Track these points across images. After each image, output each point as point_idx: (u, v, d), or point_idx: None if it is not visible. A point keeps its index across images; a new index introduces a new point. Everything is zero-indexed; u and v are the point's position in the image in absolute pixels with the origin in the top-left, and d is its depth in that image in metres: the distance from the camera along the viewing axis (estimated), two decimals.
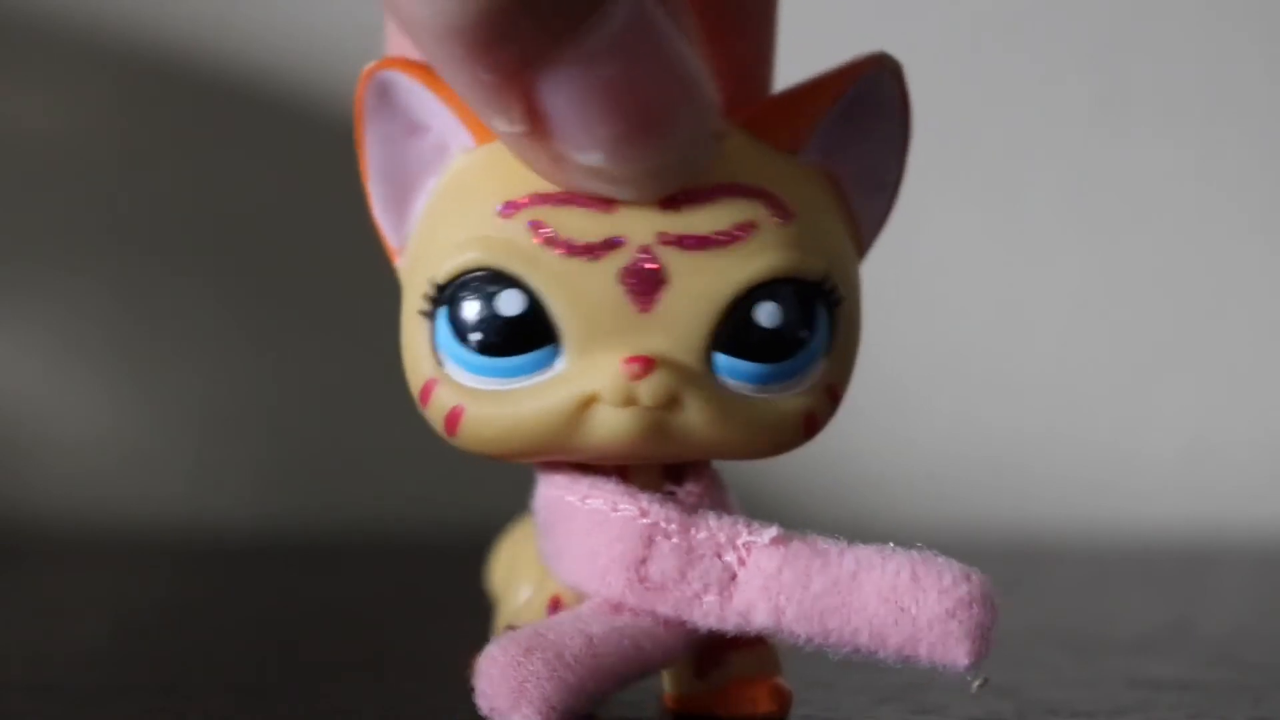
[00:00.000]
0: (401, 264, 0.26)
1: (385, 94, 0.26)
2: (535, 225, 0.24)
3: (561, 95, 0.23)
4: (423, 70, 0.25)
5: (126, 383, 0.56)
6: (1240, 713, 0.29)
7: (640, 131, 0.23)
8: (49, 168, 0.55)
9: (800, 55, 0.28)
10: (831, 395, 0.26)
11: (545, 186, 0.25)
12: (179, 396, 0.55)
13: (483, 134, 0.25)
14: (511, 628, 0.26)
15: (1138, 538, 0.54)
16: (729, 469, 0.27)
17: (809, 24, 0.29)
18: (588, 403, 0.24)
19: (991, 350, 0.56)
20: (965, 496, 0.55)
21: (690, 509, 0.25)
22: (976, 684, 0.25)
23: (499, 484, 0.28)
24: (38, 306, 0.55)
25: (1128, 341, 0.56)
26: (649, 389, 0.24)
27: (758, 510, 0.26)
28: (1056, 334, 0.56)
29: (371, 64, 0.26)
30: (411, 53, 0.26)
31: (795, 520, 0.26)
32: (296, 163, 0.54)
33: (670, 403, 0.24)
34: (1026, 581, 0.47)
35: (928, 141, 0.55)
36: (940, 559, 0.25)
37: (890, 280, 0.55)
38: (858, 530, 0.26)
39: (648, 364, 0.24)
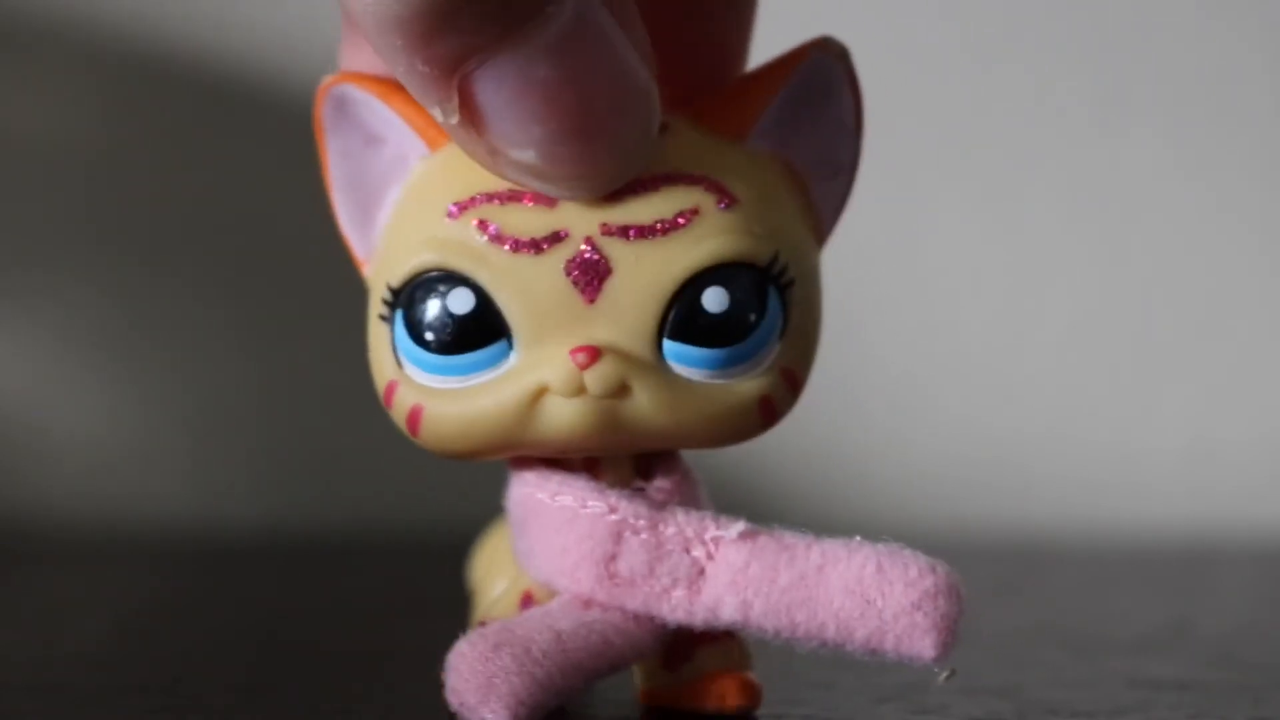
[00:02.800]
0: (368, 273, 0.27)
1: (342, 108, 0.26)
2: (482, 223, 0.25)
3: (497, 92, 0.23)
4: (377, 83, 0.26)
5: (125, 383, 0.56)
6: (1240, 713, 0.29)
7: (574, 133, 0.24)
8: (46, 168, 0.55)
9: None
10: (789, 379, 0.26)
11: (491, 186, 0.25)
12: (177, 396, 0.55)
13: (436, 141, 0.26)
14: (483, 623, 0.26)
15: (1138, 538, 0.54)
16: (726, 468, 0.27)
17: (809, 25, 0.29)
18: (539, 394, 0.25)
19: (992, 351, 0.56)
20: (966, 497, 0.55)
21: (659, 505, 0.26)
22: (944, 676, 0.25)
23: (498, 483, 0.28)
24: (36, 307, 0.55)
25: (1128, 342, 0.56)
26: (596, 378, 0.25)
27: (756, 510, 0.26)
28: (1057, 334, 0.56)
29: (327, 79, 0.26)
30: (365, 65, 0.26)
31: (796, 521, 0.26)
32: (294, 163, 0.54)
33: (619, 391, 0.25)
34: (1026, 581, 0.47)
35: (928, 143, 0.55)
36: (906, 552, 0.25)
37: (891, 281, 0.55)
38: (859, 531, 0.26)
39: (594, 353, 0.25)
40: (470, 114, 0.24)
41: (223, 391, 0.55)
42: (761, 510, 0.26)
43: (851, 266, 0.27)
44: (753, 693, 0.27)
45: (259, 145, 0.55)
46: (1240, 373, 0.56)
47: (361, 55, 0.26)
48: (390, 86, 0.26)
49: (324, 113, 0.26)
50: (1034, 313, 0.56)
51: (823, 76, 0.26)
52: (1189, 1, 0.56)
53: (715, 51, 0.27)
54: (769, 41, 0.28)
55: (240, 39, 0.55)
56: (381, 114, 0.26)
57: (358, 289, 0.27)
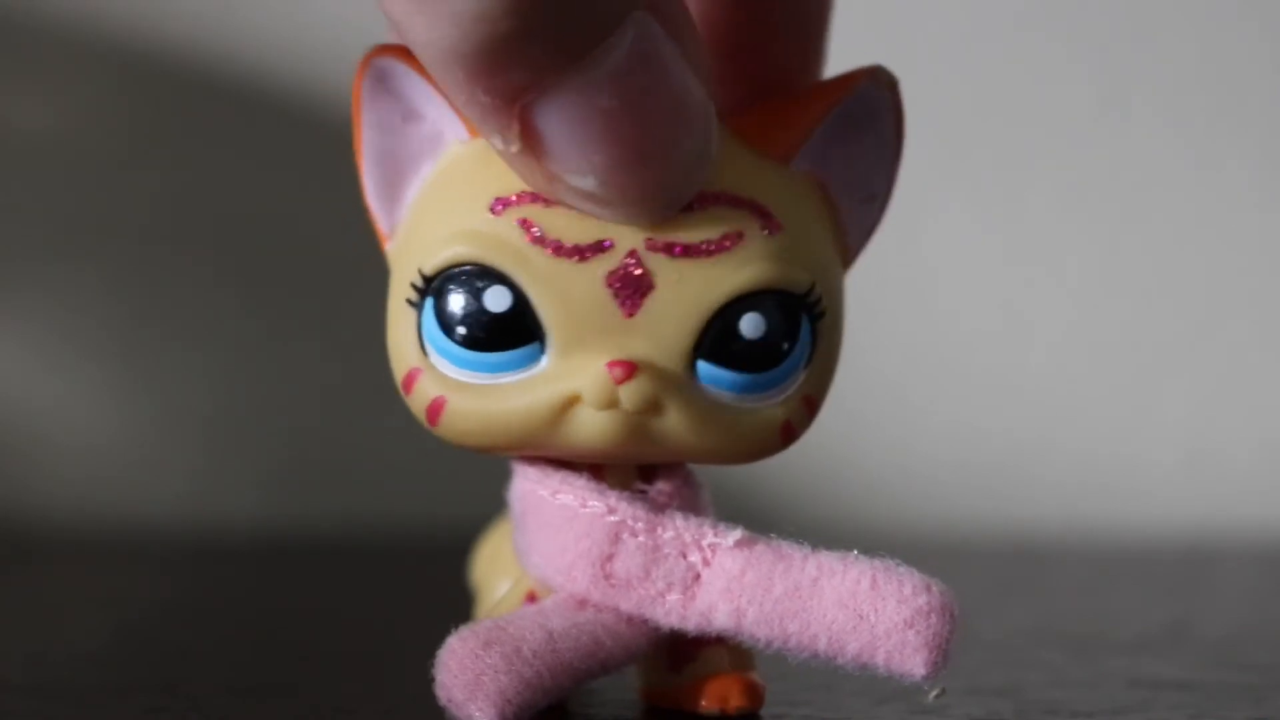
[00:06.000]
0: (390, 249, 0.27)
1: (382, 81, 0.26)
2: (525, 223, 0.25)
3: (558, 121, 0.23)
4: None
5: (128, 383, 0.56)
6: (1240, 713, 0.29)
7: (635, 160, 0.24)
8: (49, 167, 0.55)
9: None
10: (809, 405, 0.26)
11: None
12: (181, 397, 0.55)
13: None
14: None
15: (1138, 538, 0.54)
16: (725, 471, 0.27)
17: None
18: (569, 403, 0.25)
19: (991, 353, 0.56)
20: (967, 498, 0.55)
21: (659, 508, 0.26)
22: (933, 694, 0.25)
23: (499, 484, 0.28)
24: (40, 306, 0.55)
25: (1127, 344, 0.56)
26: (631, 393, 0.25)
27: (756, 513, 0.26)
28: (1056, 337, 0.56)
29: (370, 49, 0.26)
30: None
31: (796, 524, 0.26)
32: (299, 162, 0.54)
33: (651, 408, 0.25)
34: (1026, 581, 0.47)
35: (927, 143, 0.55)
36: (902, 568, 0.25)
37: (890, 283, 0.55)
38: (861, 533, 0.26)
39: (630, 369, 0.25)
40: (531, 142, 0.24)
41: (226, 393, 0.55)
42: (762, 514, 0.26)
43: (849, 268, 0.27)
44: (756, 694, 0.27)
45: (267, 145, 0.55)
46: (1239, 375, 0.56)
47: None
48: None
49: (364, 83, 0.26)
50: (1033, 315, 0.56)
51: (869, 105, 0.26)
52: None
53: (783, 59, 0.27)
54: None
55: (250, 37, 0.55)
56: (423, 90, 0.26)
57: (361, 290, 0.27)
